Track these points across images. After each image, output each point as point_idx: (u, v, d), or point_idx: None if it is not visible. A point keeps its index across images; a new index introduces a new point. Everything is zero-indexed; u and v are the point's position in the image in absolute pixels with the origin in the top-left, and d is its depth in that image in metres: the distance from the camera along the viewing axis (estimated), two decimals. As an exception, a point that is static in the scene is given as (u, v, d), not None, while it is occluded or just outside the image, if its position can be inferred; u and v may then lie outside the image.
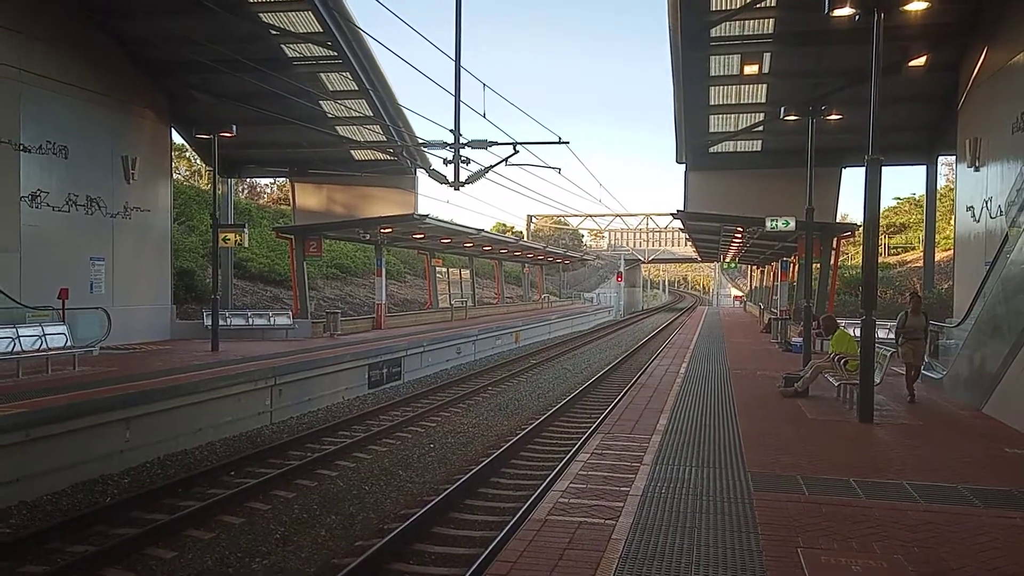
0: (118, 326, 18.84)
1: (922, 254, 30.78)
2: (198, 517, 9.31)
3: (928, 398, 13.42)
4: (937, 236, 29.37)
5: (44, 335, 15.21)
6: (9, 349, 14.32)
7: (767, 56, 21.12)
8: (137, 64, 22.22)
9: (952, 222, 25.48)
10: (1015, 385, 10.77)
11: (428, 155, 23.84)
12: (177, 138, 27.28)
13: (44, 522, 9.30)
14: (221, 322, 21.27)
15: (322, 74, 22.85)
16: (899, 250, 61.61)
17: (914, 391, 13.12)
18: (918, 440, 9.83)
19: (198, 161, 47.70)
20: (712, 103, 23.64)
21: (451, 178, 18.47)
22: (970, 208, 19.19)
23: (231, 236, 21.92)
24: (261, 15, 20.21)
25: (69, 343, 15.89)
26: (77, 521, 9.12)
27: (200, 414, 13.69)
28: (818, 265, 25.08)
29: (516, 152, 18.72)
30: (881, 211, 13.53)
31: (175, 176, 31.73)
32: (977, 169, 18.58)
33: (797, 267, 30.14)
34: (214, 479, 11.27)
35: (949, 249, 30.28)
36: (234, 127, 19.78)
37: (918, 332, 12.99)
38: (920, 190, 45.29)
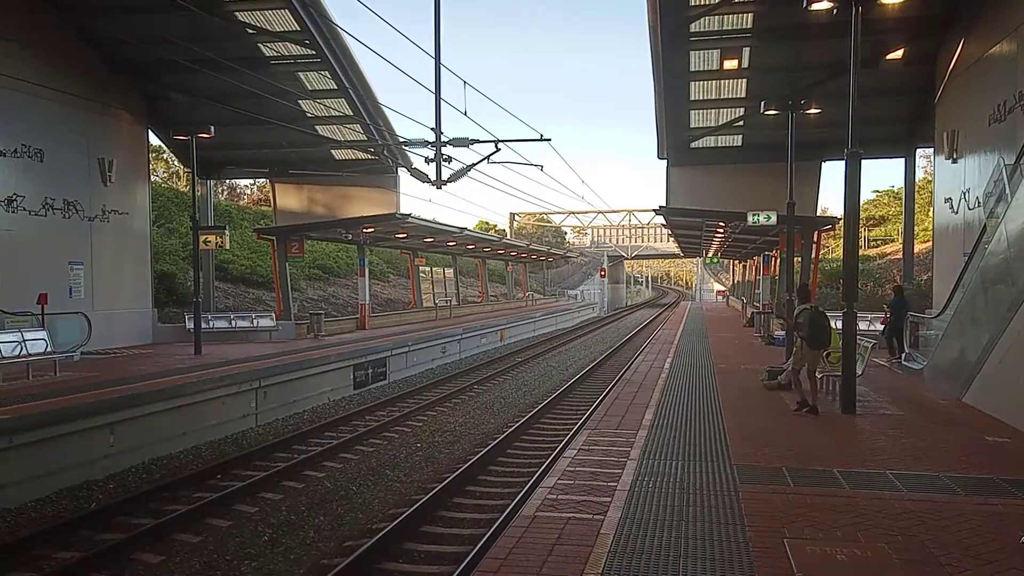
0: (99, 331, 18.62)
1: (901, 246, 31.15)
2: (185, 521, 9.26)
3: (909, 388, 13.58)
4: (916, 228, 29.66)
5: (24, 341, 15.01)
6: (-11, 355, 14.16)
7: (746, 51, 21.24)
8: (113, 65, 21.96)
9: (931, 214, 25.78)
10: (994, 374, 10.92)
11: (410, 154, 23.78)
12: (154, 139, 27.05)
13: (29, 529, 9.21)
14: (203, 325, 21.09)
15: (300, 73, 22.70)
16: (879, 242, 62.17)
17: (815, 403, 10.90)
18: (900, 430, 9.95)
19: (176, 163, 47.24)
20: (693, 98, 23.74)
21: (433, 177, 18.45)
22: (948, 200, 19.42)
23: (212, 238, 21.76)
24: (237, 14, 20.02)
25: (49, 348, 15.69)
26: (62, 527, 9.04)
27: (185, 418, 13.59)
28: (799, 259, 25.28)
29: (498, 150, 18.73)
30: (861, 204, 13.57)
31: (153, 178, 31.41)
32: (955, 161, 18.79)
33: (779, 261, 30.34)
34: (200, 482, 11.20)
35: (928, 241, 30.61)
36: (212, 128, 19.50)
37: (798, 327, 11.13)
38: (899, 183, 45.85)
